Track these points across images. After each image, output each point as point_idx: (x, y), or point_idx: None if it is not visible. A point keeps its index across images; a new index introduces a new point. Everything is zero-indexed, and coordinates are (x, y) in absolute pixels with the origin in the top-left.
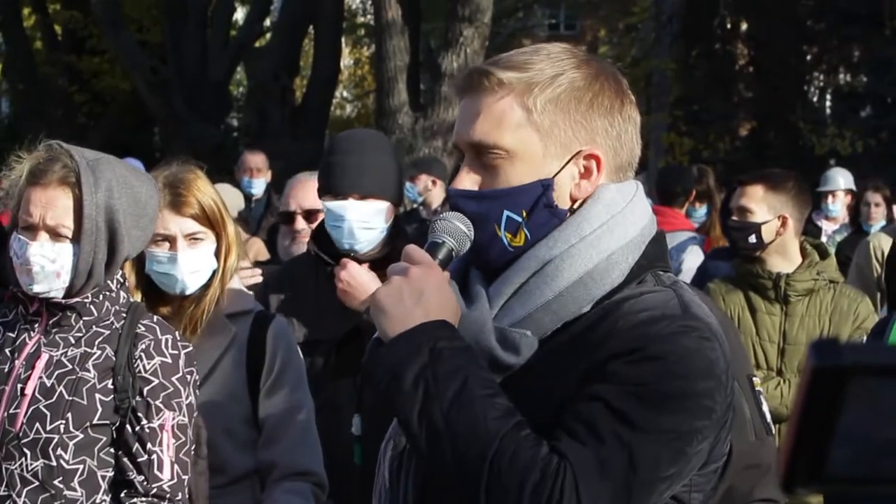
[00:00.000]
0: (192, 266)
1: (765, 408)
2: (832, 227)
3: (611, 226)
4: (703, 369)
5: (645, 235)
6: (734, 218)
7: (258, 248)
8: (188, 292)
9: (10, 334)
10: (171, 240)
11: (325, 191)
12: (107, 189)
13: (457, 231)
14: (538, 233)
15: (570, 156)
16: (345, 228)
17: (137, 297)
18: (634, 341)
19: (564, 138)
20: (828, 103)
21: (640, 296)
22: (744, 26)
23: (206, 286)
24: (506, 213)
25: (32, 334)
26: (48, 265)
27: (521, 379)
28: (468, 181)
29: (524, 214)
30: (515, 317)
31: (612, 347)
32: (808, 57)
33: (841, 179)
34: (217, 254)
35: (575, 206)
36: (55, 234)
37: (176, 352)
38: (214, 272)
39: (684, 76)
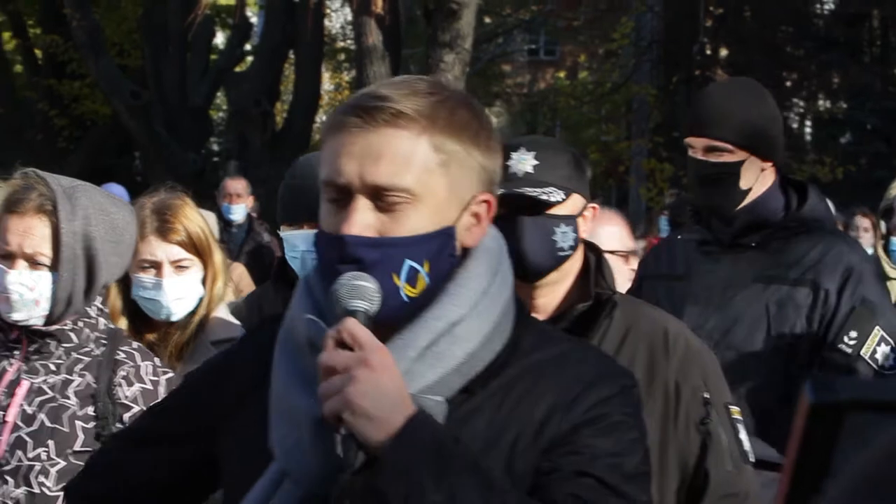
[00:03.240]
0: (177, 293)
1: (742, 436)
2: None
3: (502, 274)
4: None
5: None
6: None
7: (240, 273)
8: (173, 318)
9: None
10: (158, 266)
11: (283, 219)
12: (84, 217)
13: (366, 292)
14: (437, 285)
15: (468, 200)
16: (300, 259)
17: (123, 322)
18: (598, 408)
19: (465, 181)
20: (808, 129)
21: (562, 355)
22: (723, 53)
23: (193, 313)
24: (407, 262)
25: (13, 361)
26: (27, 293)
27: None
28: (365, 226)
29: (426, 265)
30: (426, 381)
31: (573, 418)
32: (788, 83)
33: None
34: (204, 281)
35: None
36: (33, 262)
37: (156, 378)
38: (201, 299)
39: (664, 102)
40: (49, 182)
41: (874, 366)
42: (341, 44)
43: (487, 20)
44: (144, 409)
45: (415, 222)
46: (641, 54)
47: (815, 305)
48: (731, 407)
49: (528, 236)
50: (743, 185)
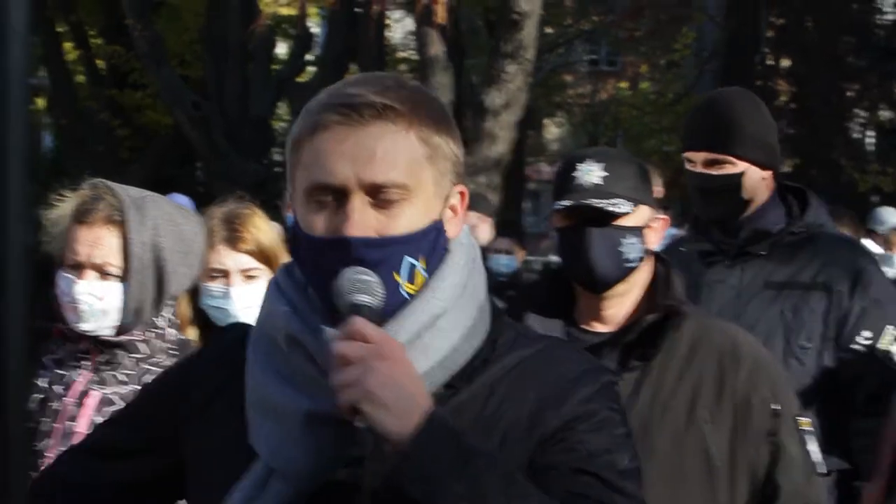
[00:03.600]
0: (245, 301)
1: (812, 447)
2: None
3: (477, 268)
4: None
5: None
6: None
7: None
8: None
9: (59, 371)
10: (226, 275)
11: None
12: (153, 227)
13: (370, 286)
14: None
15: (448, 192)
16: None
17: (192, 331)
18: (588, 404)
19: (446, 173)
20: (870, 140)
21: (543, 351)
22: (785, 63)
23: None
24: (407, 259)
25: (82, 372)
26: (96, 303)
27: None
28: (366, 226)
29: (422, 260)
30: None
31: (564, 414)
32: (849, 94)
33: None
34: None
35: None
36: (102, 273)
37: None
38: None
39: None
40: (117, 192)
41: (892, 365)
42: (402, 54)
43: (549, 30)
44: None
45: (409, 218)
46: (703, 65)
47: (830, 308)
48: (800, 418)
49: (596, 247)
50: (745, 195)
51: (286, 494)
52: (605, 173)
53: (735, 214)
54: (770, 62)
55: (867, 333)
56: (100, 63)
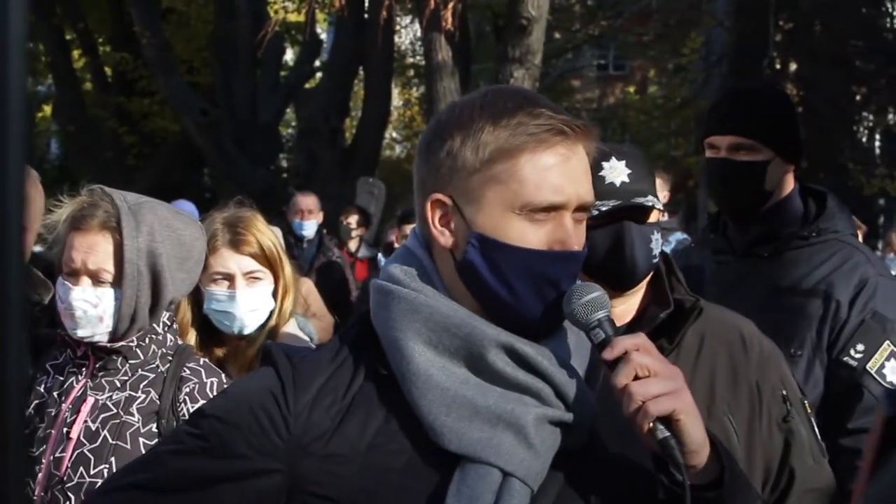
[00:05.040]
0: (250, 304)
1: (816, 430)
2: None
3: None
4: None
5: None
6: None
7: (308, 289)
8: (246, 331)
9: (59, 377)
10: (231, 278)
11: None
12: (148, 233)
13: (601, 300)
14: None
15: None
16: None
17: (192, 336)
18: None
19: None
20: (877, 143)
21: None
22: (793, 67)
23: (262, 326)
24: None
25: (80, 378)
26: (90, 310)
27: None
28: (580, 242)
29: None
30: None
31: None
32: (857, 97)
33: None
34: (274, 294)
35: None
36: (97, 279)
37: None
38: (271, 312)
39: None
40: (114, 198)
41: (881, 381)
42: (411, 60)
43: (557, 35)
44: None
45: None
46: (711, 69)
47: (825, 317)
48: (805, 402)
49: (638, 244)
50: (767, 185)
51: (525, 494)
52: (629, 170)
53: (755, 205)
54: (778, 66)
55: (860, 347)
56: (107, 70)
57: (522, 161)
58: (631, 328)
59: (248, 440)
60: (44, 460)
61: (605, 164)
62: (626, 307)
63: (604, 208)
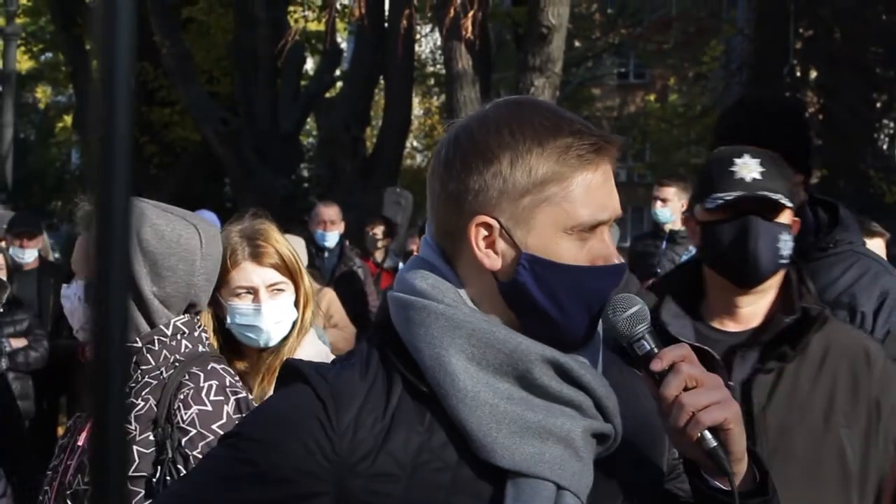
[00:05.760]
0: (275, 316)
1: None
2: None
3: None
4: None
5: None
6: None
7: (330, 299)
8: (271, 344)
9: None
10: (255, 291)
11: None
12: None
13: (642, 313)
14: None
15: None
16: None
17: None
18: None
19: None
20: None
21: None
22: (813, 74)
23: (286, 338)
24: None
25: None
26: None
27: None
28: (618, 255)
29: None
30: None
31: None
32: (878, 104)
33: None
34: (296, 304)
35: None
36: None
37: (221, 398)
38: (293, 323)
39: None
40: None
41: None
42: (431, 69)
43: (577, 44)
44: (202, 431)
45: None
46: (731, 77)
47: None
48: None
49: (762, 238)
50: None
51: None
52: (763, 168)
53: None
54: (798, 73)
55: None
56: None
57: (574, 183)
58: (756, 334)
59: (295, 463)
60: (60, 468)
61: (737, 160)
62: (754, 310)
63: (728, 198)
